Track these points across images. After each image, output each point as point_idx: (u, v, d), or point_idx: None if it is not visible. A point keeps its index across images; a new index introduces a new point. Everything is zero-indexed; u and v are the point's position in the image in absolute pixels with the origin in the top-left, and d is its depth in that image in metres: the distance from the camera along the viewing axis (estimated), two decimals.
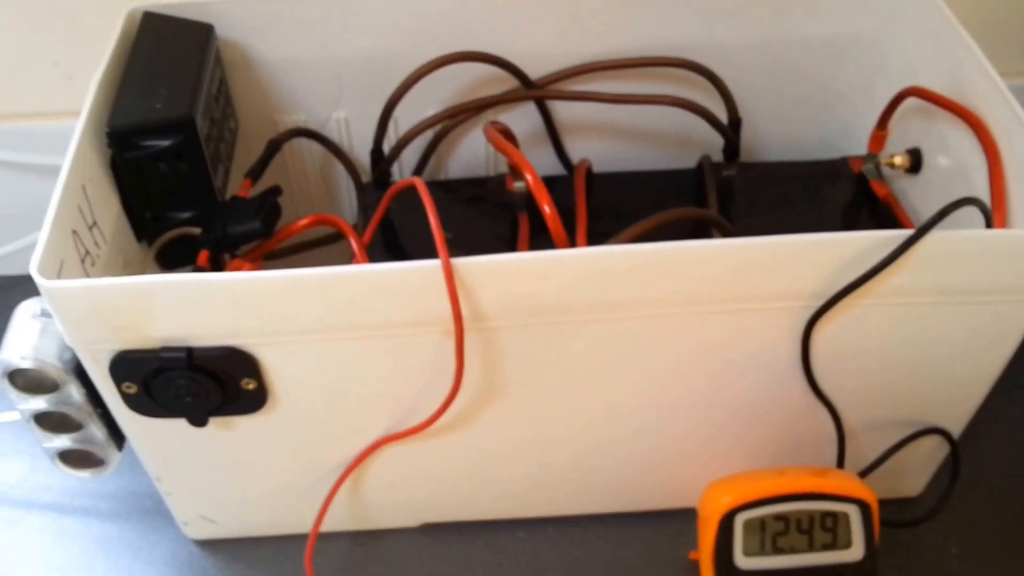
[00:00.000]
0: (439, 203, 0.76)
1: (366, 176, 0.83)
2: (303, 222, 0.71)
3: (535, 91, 0.78)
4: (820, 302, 0.59)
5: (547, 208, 0.62)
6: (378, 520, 0.76)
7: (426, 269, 0.55)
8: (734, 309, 0.60)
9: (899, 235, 0.56)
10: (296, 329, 0.58)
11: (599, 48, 0.78)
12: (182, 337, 0.58)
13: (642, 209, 0.77)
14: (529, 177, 0.62)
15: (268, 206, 0.70)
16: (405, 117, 0.80)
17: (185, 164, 0.67)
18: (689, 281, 0.58)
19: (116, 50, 0.69)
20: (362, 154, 0.84)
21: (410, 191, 0.62)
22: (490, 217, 0.79)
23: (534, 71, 0.79)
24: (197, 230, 0.71)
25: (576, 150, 0.85)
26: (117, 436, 0.66)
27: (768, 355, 0.63)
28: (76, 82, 0.84)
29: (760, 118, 0.83)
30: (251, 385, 0.60)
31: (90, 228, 0.63)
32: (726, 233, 0.66)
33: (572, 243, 0.67)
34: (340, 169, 0.85)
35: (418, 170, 0.84)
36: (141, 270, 0.71)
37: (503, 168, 0.84)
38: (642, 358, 0.62)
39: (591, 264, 0.56)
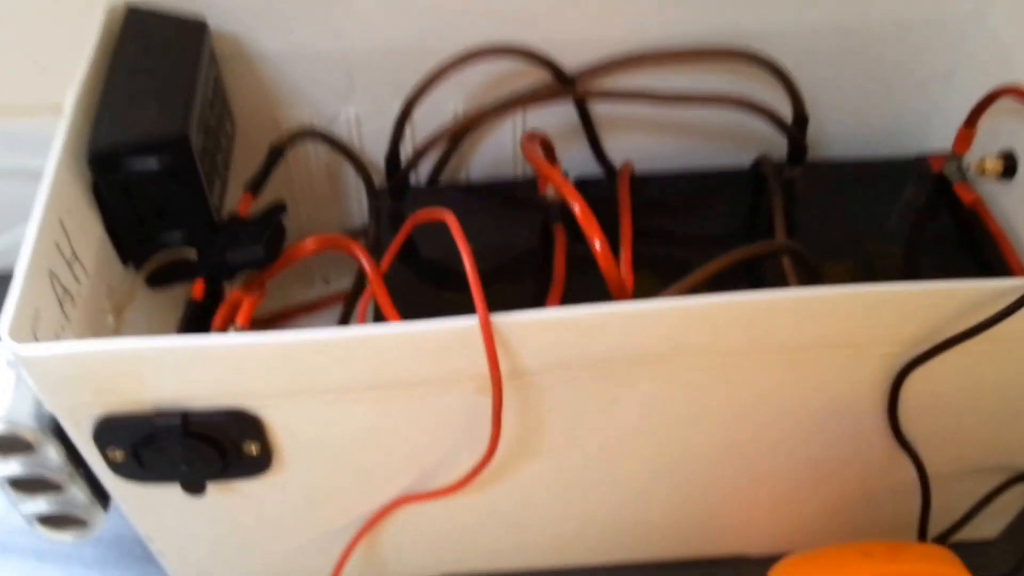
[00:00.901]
0: (461, 208, 0.71)
1: (378, 177, 0.78)
2: (310, 246, 0.66)
3: (576, 90, 0.72)
4: (917, 350, 0.55)
5: (598, 244, 0.57)
6: (392, 573, 0.71)
7: (460, 329, 0.50)
8: (813, 357, 0.55)
9: (1018, 285, 0.50)
10: (307, 390, 0.53)
11: (643, 36, 0.73)
12: (176, 399, 0.53)
13: (691, 215, 0.73)
14: (577, 208, 0.57)
15: (271, 229, 0.65)
16: (422, 114, 0.74)
17: (177, 183, 0.62)
18: (763, 332, 0.53)
19: (96, 53, 0.64)
20: (373, 153, 0.79)
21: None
22: (520, 226, 0.74)
23: (570, 61, 0.73)
24: (191, 252, 0.66)
25: (614, 146, 0.79)
26: (102, 496, 0.61)
27: (847, 402, 0.59)
28: (51, 74, 0.79)
29: (825, 111, 0.78)
30: (254, 449, 0.56)
31: (69, 264, 0.58)
32: (805, 265, 0.60)
33: (616, 262, 0.61)
34: (349, 169, 0.79)
35: (436, 172, 0.78)
36: (128, 297, 0.66)
37: (529, 170, 0.79)
38: (705, 407, 0.58)
39: (653, 319, 0.51)
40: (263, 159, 0.72)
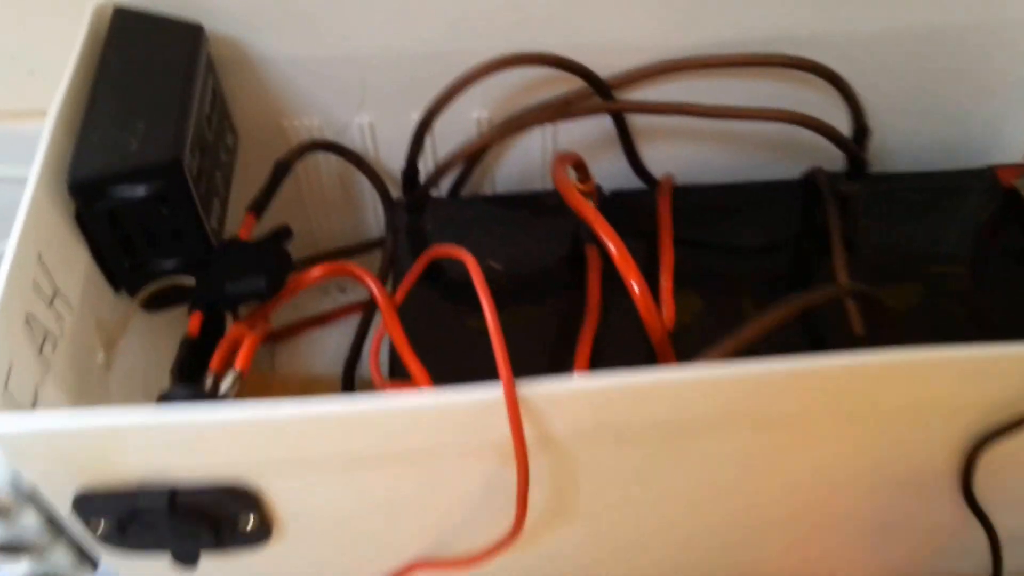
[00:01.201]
0: (485, 222, 0.66)
1: (396, 188, 0.72)
2: (316, 274, 0.61)
3: (615, 103, 0.66)
4: (998, 417, 0.50)
5: (636, 286, 0.51)
6: None
7: (483, 402, 0.44)
8: (882, 424, 0.50)
9: None
10: (310, 461, 0.47)
11: (686, 42, 0.66)
12: (163, 473, 0.48)
13: (737, 230, 0.68)
14: (613, 249, 0.51)
15: (274, 257, 0.59)
16: (443, 121, 0.67)
17: (170, 210, 0.57)
18: (825, 399, 0.47)
19: (80, 61, 0.58)
20: (390, 162, 0.73)
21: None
22: (549, 242, 0.67)
23: (605, 67, 0.67)
24: (188, 279, 0.60)
25: (652, 155, 0.73)
26: (89, 558, 0.56)
27: (916, 468, 0.54)
28: (38, 77, 0.73)
29: (885, 121, 0.71)
30: (251, 522, 0.50)
31: (50, 303, 0.52)
32: (871, 306, 0.54)
33: (657, 307, 0.55)
34: (364, 178, 0.73)
35: (459, 182, 0.72)
36: (122, 327, 0.61)
37: None
38: (759, 474, 0.53)
39: (701, 388, 0.45)
40: (267, 175, 0.66)
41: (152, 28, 0.61)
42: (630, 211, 0.68)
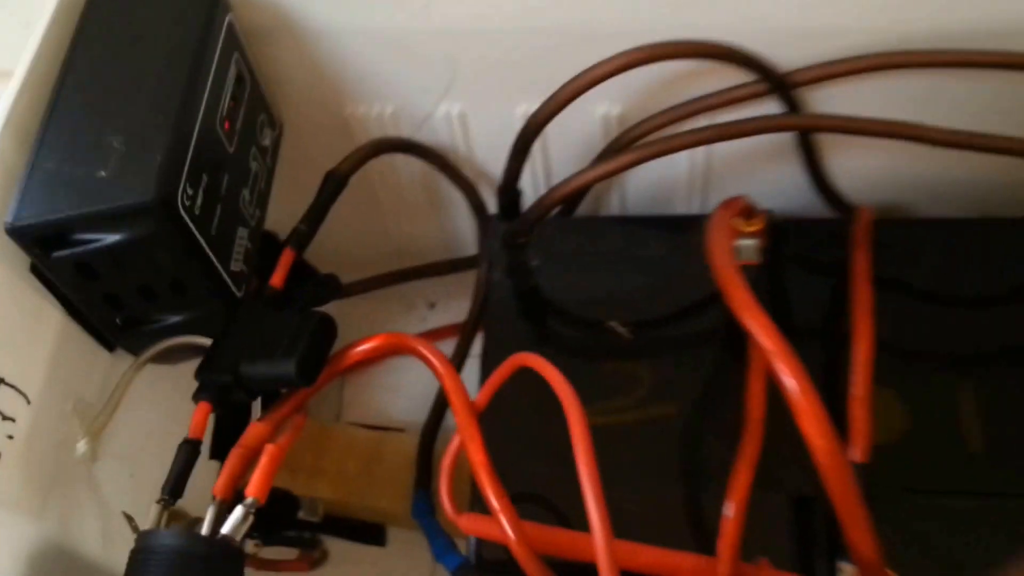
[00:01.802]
0: (609, 256, 0.51)
1: (492, 194, 0.55)
2: (367, 348, 0.45)
3: (808, 119, 0.47)
4: None
5: (821, 441, 0.34)
6: None
7: None
8: None
9: None
10: None
11: (899, 27, 0.47)
12: None
13: (953, 294, 0.49)
14: (795, 387, 0.34)
15: (313, 327, 0.43)
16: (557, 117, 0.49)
17: (165, 256, 0.40)
18: None
19: (44, 43, 0.44)
20: (486, 163, 0.57)
21: None
22: (696, 290, 0.49)
23: (785, 61, 0.48)
24: (202, 340, 0.46)
25: (837, 168, 0.54)
26: None
27: None
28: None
29: None
30: None
31: None
32: None
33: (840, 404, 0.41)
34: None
35: (574, 200, 0.54)
36: (115, 400, 0.47)
37: (713, 199, 0.54)
38: None
39: None
40: (317, 193, 0.49)
41: None
42: (812, 246, 0.51)
